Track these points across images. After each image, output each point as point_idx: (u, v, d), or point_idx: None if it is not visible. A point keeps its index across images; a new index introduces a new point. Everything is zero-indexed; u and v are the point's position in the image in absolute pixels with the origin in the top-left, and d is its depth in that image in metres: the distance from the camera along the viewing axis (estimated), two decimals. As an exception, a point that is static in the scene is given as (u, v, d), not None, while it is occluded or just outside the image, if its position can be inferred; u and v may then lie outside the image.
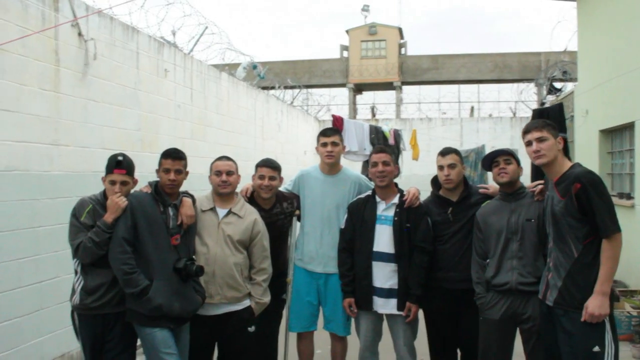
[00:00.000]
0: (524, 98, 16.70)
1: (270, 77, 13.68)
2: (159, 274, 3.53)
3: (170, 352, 3.50)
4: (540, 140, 3.34)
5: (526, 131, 3.45)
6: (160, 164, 3.71)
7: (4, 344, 4.46)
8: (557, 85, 12.75)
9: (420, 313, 4.15)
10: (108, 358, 3.55)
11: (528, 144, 3.42)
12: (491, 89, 26.79)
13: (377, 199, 4.21)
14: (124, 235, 3.49)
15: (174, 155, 3.71)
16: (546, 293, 3.33)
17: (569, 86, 12.96)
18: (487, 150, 11.88)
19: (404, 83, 27.58)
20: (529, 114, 19.00)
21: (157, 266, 3.54)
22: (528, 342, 3.70)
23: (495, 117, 19.12)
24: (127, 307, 3.53)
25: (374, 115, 23.41)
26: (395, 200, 4.18)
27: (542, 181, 3.84)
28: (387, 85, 27.45)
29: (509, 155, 3.84)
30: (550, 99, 12.46)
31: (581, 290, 3.12)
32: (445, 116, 21.37)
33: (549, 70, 13.34)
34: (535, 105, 17.80)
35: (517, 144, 16.27)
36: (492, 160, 3.86)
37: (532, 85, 18.31)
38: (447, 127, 18.17)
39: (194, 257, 3.77)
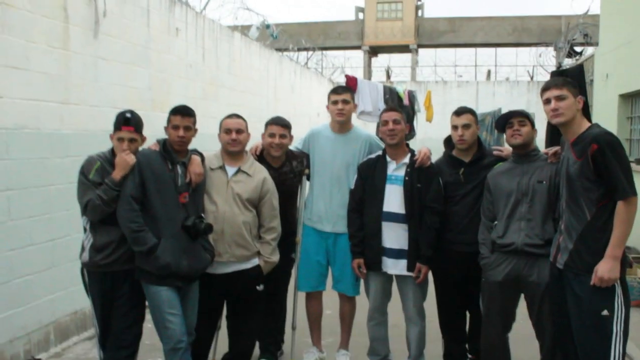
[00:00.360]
0: (543, 62, 16.36)
1: (284, 38, 13.48)
2: (167, 232, 3.52)
3: (174, 313, 3.51)
4: (559, 98, 3.24)
5: (545, 89, 3.35)
6: (169, 120, 3.67)
7: (17, 300, 4.51)
8: (577, 48, 12.45)
9: (430, 275, 4.13)
10: (117, 315, 3.58)
11: (546, 101, 3.32)
12: (509, 52, 26.26)
13: (388, 158, 4.14)
14: (131, 192, 3.46)
15: (183, 112, 3.66)
16: (557, 256, 3.28)
17: (588, 51, 12.67)
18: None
19: (420, 46, 27.17)
20: (546, 78, 18.69)
21: (165, 224, 3.52)
22: (533, 308, 3.66)
23: (512, 81, 18.85)
24: (135, 265, 3.54)
25: (389, 77, 23.16)
26: (406, 160, 4.11)
27: (558, 147, 3.75)
28: (403, 48, 27.07)
29: (523, 116, 3.73)
30: (569, 63, 12.19)
31: (592, 254, 3.07)
32: (461, 79, 21.07)
33: (570, 33, 13.02)
34: (553, 69, 17.46)
35: (533, 108, 16.01)
36: (506, 121, 3.77)
37: (550, 49, 17.93)
38: (463, 90, 17.93)
39: (202, 215, 3.75)
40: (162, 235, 3.50)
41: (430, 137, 12.87)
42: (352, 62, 24.79)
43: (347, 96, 4.41)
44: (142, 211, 3.50)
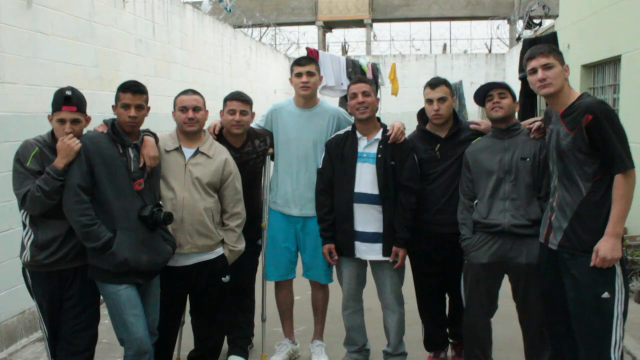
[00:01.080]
0: (500, 34, 16.30)
1: (238, 12, 13.01)
2: (123, 224, 3.13)
3: (136, 314, 3.15)
4: (546, 67, 3.00)
5: (530, 57, 3.09)
6: (117, 98, 3.25)
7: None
8: (536, 20, 12.36)
9: (406, 258, 3.87)
10: (68, 318, 3.19)
11: (532, 71, 3.07)
12: (464, 26, 26.23)
13: (358, 134, 3.82)
14: (79, 182, 3.04)
15: (134, 89, 3.24)
16: (548, 236, 3.06)
17: (546, 22, 12.60)
18: (465, 87, 11.52)
19: (375, 20, 26.86)
20: (504, 50, 18.69)
21: (119, 215, 3.13)
22: (518, 290, 3.46)
23: (470, 54, 18.73)
24: (88, 264, 3.14)
25: (345, 52, 22.84)
26: (378, 135, 3.80)
27: (539, 118, 3.53)
28: (358, 23, 26.73)
29: (503, 88, 3.48)
30: (528, 34, 12.10)
31: (590, 232, 2.85)
32: (419, 53, 20.89)
33: (528, 4, 12.91)
34: (509, 42, 17.49)
35: (491, 80, 15.83)
36: (485, 93, 3.50)
37: (506, 22, 17.96)
38: (421, 64, 17.74)
39: (160, 202, 3.38)
40: (116, 227, 3.11)
41: (389, 112, 12.53)
42: (307, 37, 24.36)
43: (312, 67, 4.04)
44: (93, 202, 3.10)
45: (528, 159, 3.35)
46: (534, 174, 3.33)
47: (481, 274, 3.47)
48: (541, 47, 3.13)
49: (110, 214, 3.11)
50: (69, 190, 3.04)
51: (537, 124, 3.41)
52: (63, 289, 3.18)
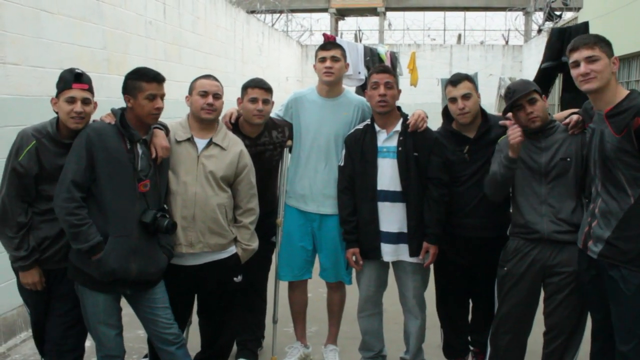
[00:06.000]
0: (518, 25, 15.96)
1: (250, -2, 12.76)
2: (117, 229, 2.83)
3: (110, 323, 2.95)
4: (590, 60, 2.70)
5: (573, 49, 2.80)
6: (140, 88, 2.87)
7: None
8: (557, 12, 12.03)
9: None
10: (55, 316, 3.00)
11: (574, 65, 2.77)
12: (480, 16, 25.81)
13: (377, 127, 3.55)
14: (73, 178, 2.76)
15: (159, 78, 2.93)
16: (587, 243, 2.80)
17: (567, 15, 12.26)
18: (480, 78, 11.20)
19: (388, 9, 26.54)
20: (520, 41, 18.31)
21: (115, 218, 2.83)
22: (552, 297, 3.14)
23: (487, 45, 18.35)
24: (70, 262, 2.90)
25: (359, 41, 22.51)
26: (398, 127, 3.52)
27: (574, 110, 3.23)
28: (371, 11, 26.41)
29: (530, 93, 3.08)
30: (549, 26, 11.76)
31: (636, 243, 2.60)
32: (434, 43, 20.53)
33: (549, -5, 12.56)
34: (531, 34, 17.11)
35: (508, 72, 15.61)
36: (512, 106, 3.12)
37: (522, 13, 17.63)
38: (436, 54, 17.39)
39: (165, 206, 3.10)
40: (109, 232, 2.82)
41: (402, 103, 12.20)
42: (321, 24, 24.06)
43: (337, 52, 3.75)
44: (89, 200, 2.83)
45: (569, 159, 3.06)
46: (576, 175, 3.04)
47: (519, 284, 3.19)
48: (586, 37, 2.84)
49: (105, 215, 2.83)
50: (61, 185, 2.77)
51: (575, 117, 3.09)
52: (52, 286, 2.99)
